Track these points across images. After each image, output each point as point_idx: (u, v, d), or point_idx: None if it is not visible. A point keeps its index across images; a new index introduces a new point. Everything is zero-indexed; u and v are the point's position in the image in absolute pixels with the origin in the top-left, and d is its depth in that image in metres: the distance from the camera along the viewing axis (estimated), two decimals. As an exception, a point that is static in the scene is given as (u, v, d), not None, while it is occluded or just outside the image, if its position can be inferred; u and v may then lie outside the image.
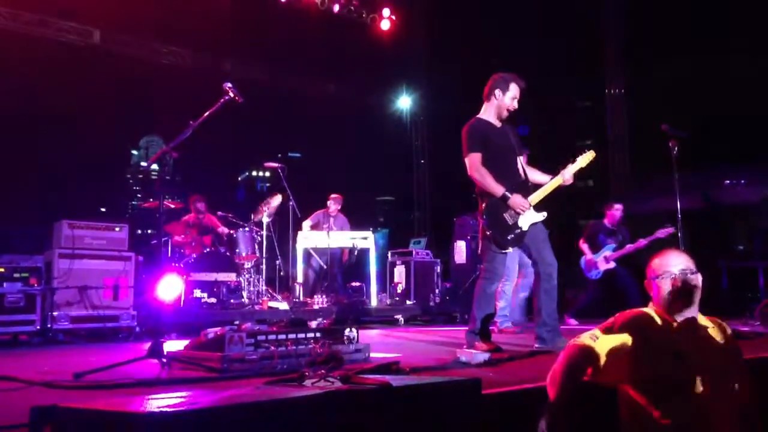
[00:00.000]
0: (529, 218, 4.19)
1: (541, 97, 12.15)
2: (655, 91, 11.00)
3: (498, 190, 4.16)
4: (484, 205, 4.26)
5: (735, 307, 6.86)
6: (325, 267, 8.76)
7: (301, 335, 3.32)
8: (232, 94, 4.10)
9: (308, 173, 10.38)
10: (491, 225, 4.20)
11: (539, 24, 11.07)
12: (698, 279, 2.55)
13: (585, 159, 4.44)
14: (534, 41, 11.31)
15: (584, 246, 7.58)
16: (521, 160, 4.45)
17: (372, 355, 3.69)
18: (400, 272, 9.30)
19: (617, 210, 7.52)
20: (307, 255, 8.69)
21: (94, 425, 1.76)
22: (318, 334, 3.40)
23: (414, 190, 13.64)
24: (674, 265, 2.55)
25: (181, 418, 1.62)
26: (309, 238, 8.52)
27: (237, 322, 3.32)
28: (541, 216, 4.26)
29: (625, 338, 2.47)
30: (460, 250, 8.88)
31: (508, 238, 4.18)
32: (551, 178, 4.39)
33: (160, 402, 1.74)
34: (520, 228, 4.18)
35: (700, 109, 9.82)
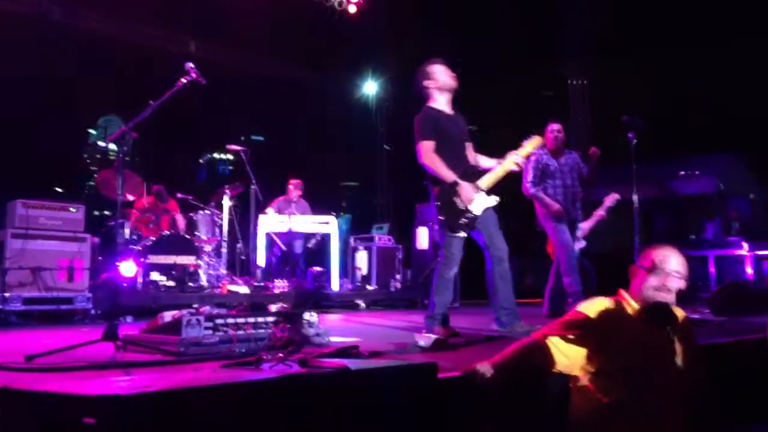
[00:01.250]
0: (481, 203, 4.26)
1: (503, 86, 12.24)
2: (616, 81, 11.16)
3: (449, 176, 4.22)
4: (436, 191, 4.33)
5: (686, 295, 7.06)
6: (286, 251, 8.73)
7: (261, 319, 3.31)
8: (194, 75, 4.02)
9: (271, 157, 10.27)
10: (444, 210, 4.28)
11: (503, 12, 11.10)
12: (683, 284, 2.58)
13: (531, 144, 4.51)
14: (498, 29, 11.35)
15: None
16: (469, 147, 4.55)
17: (332, 339, 3.70)
18: (361, 257, 9.32)
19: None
20: (269, 239, 8.64)
21: (46, 408, 1.74)
22: (278, 318, 3.39)
23: (377, 176, 13.64)
24: (673, 264, 2.57)
25: (135, 401, 1.61)
26: (271, 222, 8.47)
27: (195, 306, 3.30)
28: (494, 200, 4.33)
29: (585, 331, 2.51)
30: (422, 236, 8.94)
31: (460, 222, 4.25)
32: (498, 163, 4.46)
33: (114, 385, 1.72)
34: (472, 212, 4.25)
35: (659, 100, 10.01)
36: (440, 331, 4.12)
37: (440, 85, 4.43)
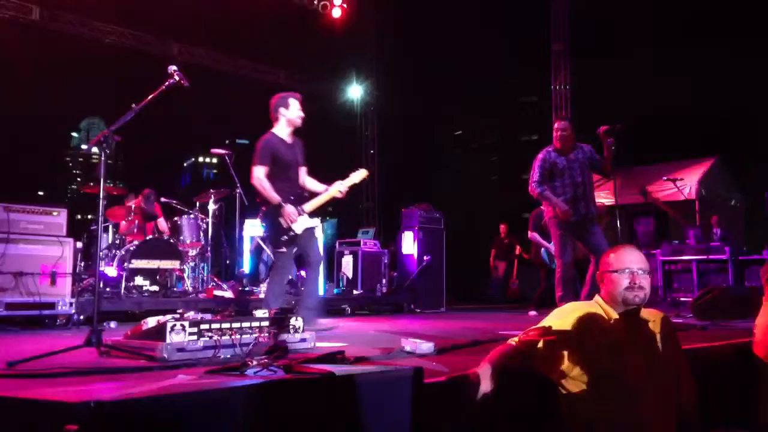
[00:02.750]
0: (302, 223, 4.82)
1: (488, 92, 12.31)
2: (600, 87, 11.26)
3: (275, 199, 4.77)
4: (263, 210, 4.90)
5: (669, 299, 7.13)
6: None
7: (246, 324, 3.28)
8: (177, 78, 4.00)
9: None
10: (268, 228, 4.91)
11: (488, 18, 11.18)
12: (649, 279, 2.64)
13: (357, 176, 5.09)
14: (482, 35, 11.43)
15: (535, 235, 7.59)
16: (303, 171, 5.12)
17: (318, 344, 3.69)
18: (347, 262, 9.31)
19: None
20: (255, 244, 8.60)
21: (28, 415, 1.71)
22: (263, 324, 3.37)
23: (363, 181, 13.64)
24: (633, 262, 2.61)
25: (117, 408, 1.59)
26: (256, 227, 8.44)
27: (180, 311, 3.27)
28: (314, 222, 4.97)
29: (562, 335, 2.53)
30: (408, 240, 8.95)
31: (281, 239, 4.80)
32: (324, 190, 5.04)
33: (96, 391, 1.70)
34: (294, 231, 4.79)
35: (642, 107, 10.11)
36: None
37: (290, 118, 5.02)
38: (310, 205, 4.95)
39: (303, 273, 8.80)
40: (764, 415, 3.10)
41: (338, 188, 5.01)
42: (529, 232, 7.72)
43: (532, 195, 6.00)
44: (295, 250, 4.97)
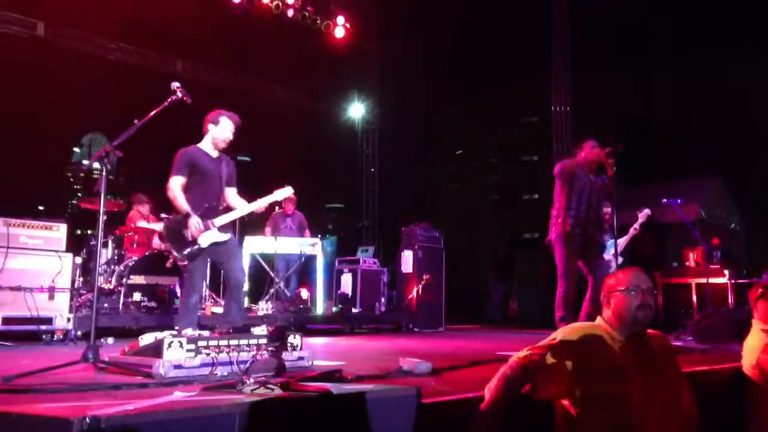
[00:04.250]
0: (209, 237, 4.61)
1: (488, 112, 12.37)
2: (599, 107, 11.32)
3: (183, 209, 4.62)
4: (167, 219, 4.79)
5: (669, 322, 7.10)
6: (271, 273, 8.68)
7: (244, 342, 3.27)
8: (180, 94, 4.05)
9: (257, 177, 10.27)
10: (168, 237, 4.69)
11: (489, 39, 11.27)
12: (654, 300, 2.66)
13: (281, 193, 4.97)
14: (483, 55, 11.51)
15: None
16: (231, 191, 4.95)
17: (315, 362, 3.67)
18: (346, 280, 9.29)
19: (606, 211, 7.53)
20: (254, 260, 8.59)
21: (23, 430, 1.70)
22: (261, 341, 3.36)
23: (363, 198, 13.67)
24: (642, 281, 2.63)
25: (113, 423, 1.58)
26: (257, 243, 8.44)
27: (177, 327, 3.26)
28: (224, 236, 4.70)
29: (566, 356, 2.51)
30: (407, 259, 8.94)
31: (184, 251, 4.62)
32: (244, 205, 4.89)
33: (92, 407, 1.70)
34: (199, 245, 4.61)
35: (639, 128, 10.16)
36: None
37: (215, 137, 4.83)
38: (222, 219, 4.72)
39: (304, 290, 8.85)
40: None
41: (258, 204, 4.84)
42: None
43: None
44: (204, 266, 4.88)
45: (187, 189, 4.68)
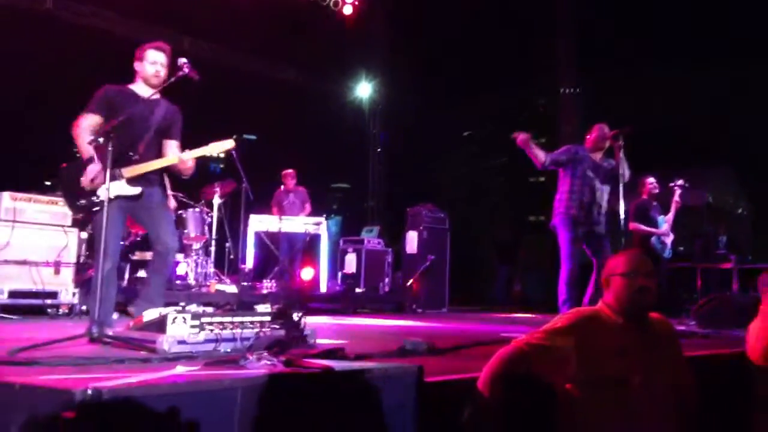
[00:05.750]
0: (113, 189, 3.77)
1: (497, 93, 12.28)
2: (609, 92, 11.23)
3: (85, 153, 3.92)
4: (64, 165, 4.08)
5: (673, 306, 7.09)
6: (275, 251, 8.72)
7: (247, 319, 3.28)
8: (187, 71, 3.98)
9: (263, 156, 10.27)
10: (64, 185, 4.06)
11: (499, 18, 11.15)
12: (655, 284, 2.62)
13: (216, 147, 4.19)
14: (493, 35, 11.40)
15: (638, 225, 7.37)
16: (170, 144, 4.22)
17: (318, 341, 3.68)
18: (351, 260, 9.32)
19: (652, 184, 7.55)
20: (258, 238, 8.62)
21: (25, 400, 1.72)
22: (264, 318, 3.37)
23: (369, 179, 13.65)
24: (642, 265, 2.61)
25: (115, 395, 1.59)
26: (261, 222, 8.46)
27: (182, 304, 3.27)
28: (134, 190, 3.97)
29: (567, 341, 2.51)
30: (412, 240, 8.95)
31: (78, 203, 3.98)
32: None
33: (94, 380, 1.71)
34: (97, 196, 3.89)
35: (648, 113, 10.08)
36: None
37: (148, 72, 4.11)
38: (130, 170, 3.96)
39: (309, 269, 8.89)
40: (759, 421, 3.09)
41: (181, 156, 4.08)
42: (630, 224, 7.38)
43: (541, 168, 5.87)
44: (116, 225, 3.93)
45: (101, 131, 3.85)
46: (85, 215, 4.03)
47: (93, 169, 3.86)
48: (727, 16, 9.75)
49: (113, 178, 3.76)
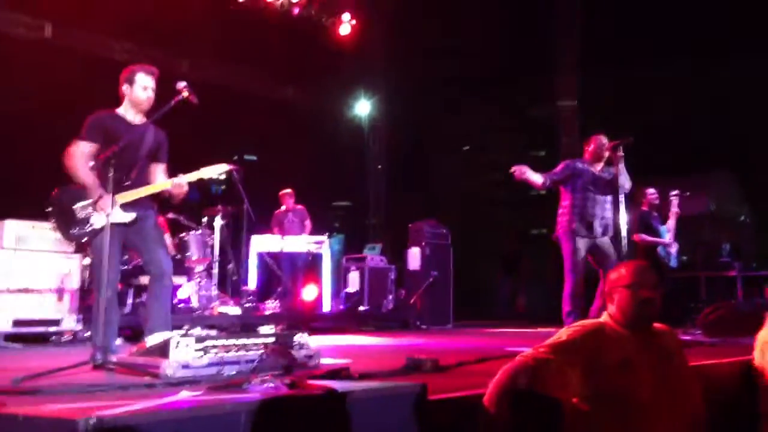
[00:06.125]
0: (108, 217, 3.74)
1: (495, 107, 12.31)
2: (607, 101, 11.26)
3: (88, 182, 3.90)
4: (54, 192, 4.03)
5: (678, 316, 7.05)
6: (278, 271, 8.71)
7: (251, 341, 3.28)
8: (186, 94, 3.99)
9: (264, 177, 10.29)
10: (56, 212, 3.98)
11: (495, 33, 11.20)
12: (660, 294, 2.61)
13: (211, 170, 4.12)
14: (489, 51, 11.45)
15: (642, 236, 7.43)
16: (158, 168, 4.23)
17: (323, 361, 3.68)
18: (354, 278, 9.30)
19: (653, 194, 7.62)
20: (261, 259, 8.63)
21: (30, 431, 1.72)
22: (268, 341, 3.37)
23: (370, 196, 13.66)
24: (646, 277, 2.60)
25: (119, 423, 1.59)
26: (263, 242, 8.46)
27: (185, 327, 3.27)
28: (127, 217, 3.93)
29: (572, 355, 2.50)
30: (415, 256, 8.94)
31: (72, 231, 3.94)
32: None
33: (99, 408, 1.71)
34: (92, 225, 3.87)
35: (647, 120, 10.09)
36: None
37: (137, 96, 4.10)
38: (126, 196, 3.92)
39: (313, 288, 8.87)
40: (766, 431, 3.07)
41: (175, 181, 4.05)
42: (634, 236, 7.36)
43: (543, 189, 6.03)
44: (115, 252, 3.90)
45: (91, 159, 3.90)
46: (78, 243, 3.99)
47: (106, 197, 3.76)
48: (725, 16, 9.77)
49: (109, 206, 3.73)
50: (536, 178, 5.83)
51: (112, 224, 3.78)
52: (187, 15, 9.59)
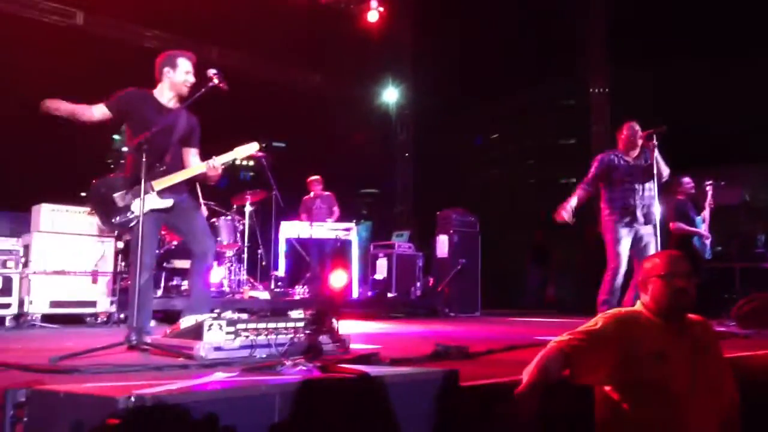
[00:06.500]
0: (146, 203, 3.79)
1: (525, 95, 12.18)
2: (639, 90, 11.07)
3: (78, 111, 3.98)
4: (94, 181, 4.06)
5: (712, 307, 6.95)
6: (307, 258, 8.77)
7: (282, 325, 3.31)
8: (216, 81, 4.01)
9: (292, 163, 10.34)
10: (95, 202, 4.01)
11: (525, 20, 11.08)
12: (694, 283, 2.56)
13: (242, 150, 4.16)
14: (520, 37, 11.33)
15: (680, 225, 7.36)
16: (191, 152, 4.25)
17: (352, 346, 3.69)
18: (382, 265, 9.32)
19: (689, 184, 7.53)
20: (290, 245, 8.69)
21: (69, 408, 1.76)
22: (298, 324, 3.39)
23: (398, 184, 13.65)
24: (680, 266, 2.56)
25: (157, 402, 1.62)
26: (292, 228, 8.52)
27: (217, 311, 3.31)
28: (165, 203, 3.99)
29: (606, 341, 2.48)
30: (443, 243, 8.92)
31: (113, 220, 3.97)
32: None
33: (136, 387, 1.74)
34: (133, 212, 3.90)
35: (681, 110, 9.90)
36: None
37: (175, 82, 4.15)
38: (163, 182, 3.98)
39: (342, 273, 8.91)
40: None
41: (210, 163, 4.06)
42: (671, 224, 7.32)
43: (592, 195, 5.87)
44: (152, 237, 4.01)
45: (97, 120, 4.04)
46: (120, 231, 4.04)
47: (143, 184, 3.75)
48: (762, 8, 9.53)
49: (145, 191, 3.77)
50: (576, 198, 5.75)
51: (151, 210, 3.88)
52: (216, 3, 9.64)
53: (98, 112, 4.06)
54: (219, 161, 4.09)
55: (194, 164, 4.21)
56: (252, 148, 4.17)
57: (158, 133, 3.91)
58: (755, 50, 9.84)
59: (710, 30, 10.08)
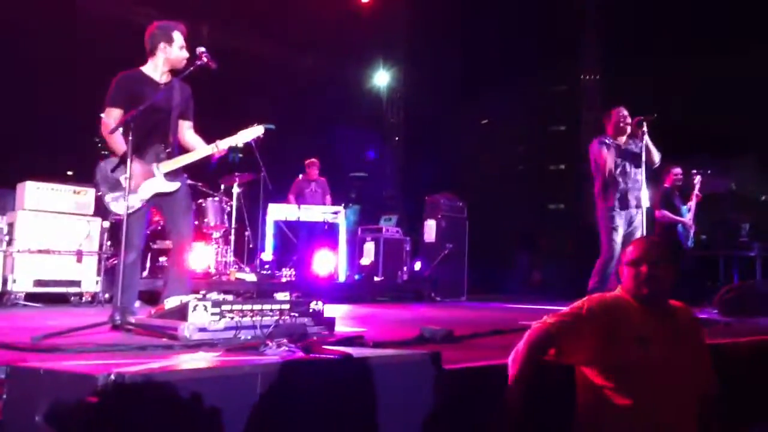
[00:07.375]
0: (153, 186, 3.82)
1: (516, 81, 12.16)
2: (631, 78, 11.08)
3: (121, 150, 3.79)
4: (101, 161, 3.94)
5: (695, 294, 7.01)
6: (294, 240, 8.75)
7: (267, 307, 3.30)
8: (205, 59, 3.97)
9: (281, 145, 10.29)
10: (102, 186, 3.87)
11: (519, 6, 11.03)
12: (669, 270, 2.58)
13: (247, 133, 4.08)
14: (512, 22, 11.29)
15: (665, 213, 7.43)
16: (186, 126, 4.17)
17: (337, 329, 3.70)
18: (369, 249, 9.32)
19: (678, 173, 7.58)
20: (277, 227, 8.66)
21: (49, 386, 1.75)
22: (283, 307, 3.39)
23: (387, 167, 13.63)
24: (650, 253, 2.58)
25: (137, 380, 1.62)
26: (280, 211, 8.49)
27: (202, 292, 3.29)
28: (173, 186, 3.93)
29: (590, 322, 2.51)
30: (430, 228, 8.93)
31: (118, 201, 3.87)
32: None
33: (116, 366, 1.73)
34: (137, 194, 3.82)
35: (670, 99, 9.93)
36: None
37: (171, 58, 4.03)
38: (169, 164, 3.90)
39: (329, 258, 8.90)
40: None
41: (216, 146, 3.98)
42: (656, 212, 7.40)
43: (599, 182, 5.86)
44: (143, 219, 3.96)
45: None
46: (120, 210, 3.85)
47: (135, 169, 3.71)
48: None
49: (152, 174, 3.77)
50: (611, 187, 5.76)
51: (156, 194, 3.85)
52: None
53: (111, 120, 3.88)
54: (226, 144, 4.01)
55: (190, 139, 4.14)
56: (257, 131, 4.10)
57: (157, 110, 3.86)
58: (746, 41, 9.87)
59: (703, 19, 10.09)
